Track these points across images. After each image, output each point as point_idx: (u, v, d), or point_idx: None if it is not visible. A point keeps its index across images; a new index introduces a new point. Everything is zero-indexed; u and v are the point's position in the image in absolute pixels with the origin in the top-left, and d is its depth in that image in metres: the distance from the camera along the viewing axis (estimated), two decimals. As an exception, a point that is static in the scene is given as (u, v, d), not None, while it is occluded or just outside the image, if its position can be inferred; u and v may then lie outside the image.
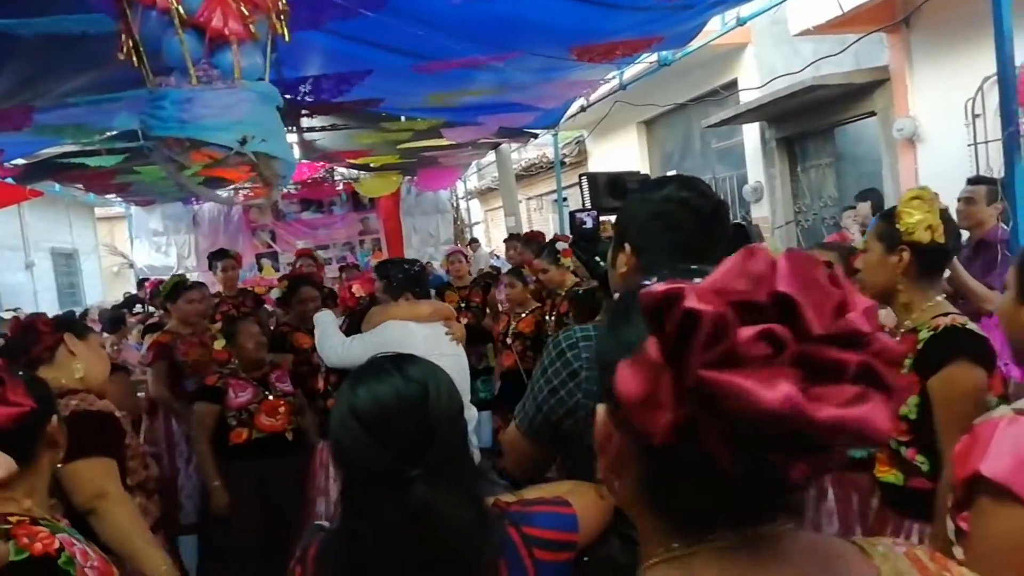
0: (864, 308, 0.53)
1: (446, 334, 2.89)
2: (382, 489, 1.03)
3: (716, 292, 0.53)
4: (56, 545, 1.24)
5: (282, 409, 3.39)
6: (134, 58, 2.16)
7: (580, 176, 2.52)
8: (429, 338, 2.78)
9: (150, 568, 1.84)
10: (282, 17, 2.29)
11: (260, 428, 3.31)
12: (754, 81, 7.41)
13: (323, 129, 5.19)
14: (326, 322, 3.08)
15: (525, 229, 9.97)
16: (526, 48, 3.67)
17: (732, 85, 8.05)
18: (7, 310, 8.41)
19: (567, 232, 9.28)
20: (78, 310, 10.17)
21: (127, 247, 11.14)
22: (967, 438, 1.13)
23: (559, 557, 1.14)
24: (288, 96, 4.23)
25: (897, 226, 1.84)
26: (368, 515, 1.07)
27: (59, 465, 1.47)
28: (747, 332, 0.50)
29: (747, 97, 7.40)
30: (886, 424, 0.49)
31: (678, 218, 1.30)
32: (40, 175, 5.33)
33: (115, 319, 6.16)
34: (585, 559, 1.21)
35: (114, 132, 4.43)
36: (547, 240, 4.73)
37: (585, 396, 1.34)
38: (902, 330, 1.86)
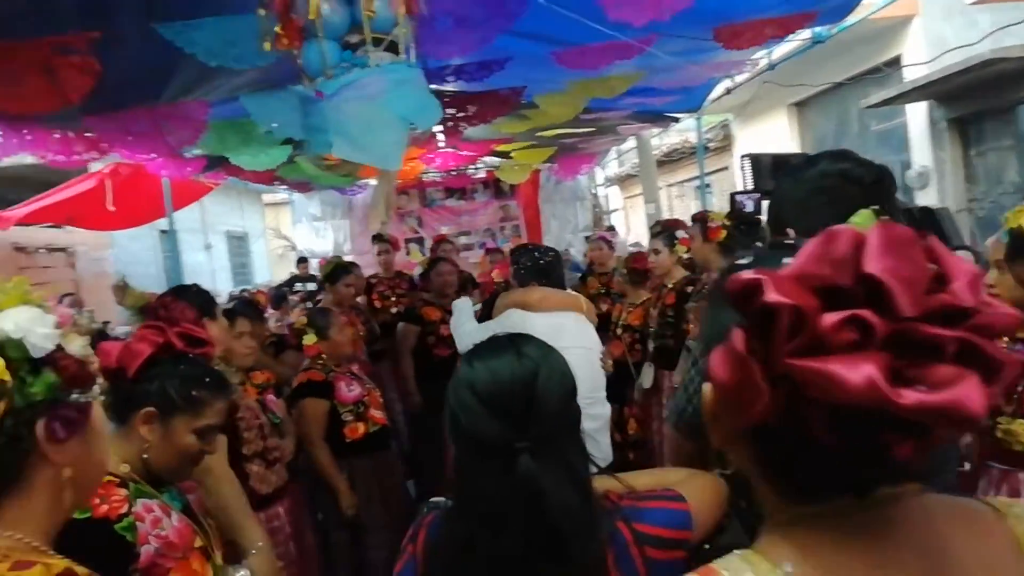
0: (967, 279, 0.51)
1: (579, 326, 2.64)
2: (491, 460, 1.07)
3: (798, 279, 0.53)
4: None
5: (381, 400, 3.38)
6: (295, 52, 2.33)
7: (742, 157, 2.47)
8: (550, 328, 2.39)
9: (248, 542, 1.95)
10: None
11: (374, 421, 3.26)
12: (921, 56, 6.83)
13: (465, 117, 5.34)
14: (461, 309, 3.07)
15: (665, 216, 9.77)
16: (667, 30, 3.59)
17: (895, 62, 7.47)
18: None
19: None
20: (249, 288, 11.16)
21: (290, 231, 12.01)
22: None
23: (672, 555, 1.12)
24: (433, 86, 4.43)
25: None
26: (477, 488, 1.10)
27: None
28: (831, 319, 0.50)
29: (912, 74, 6.84)
30: (979, 406, 0.48)
31: (840, 191, 1.22)
32: (214, 166, 5.89)
33: (279, 296, 6.75)
34: (706, 547, 1.18)
35: (274, 127, 4.80)
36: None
37: None
38: None
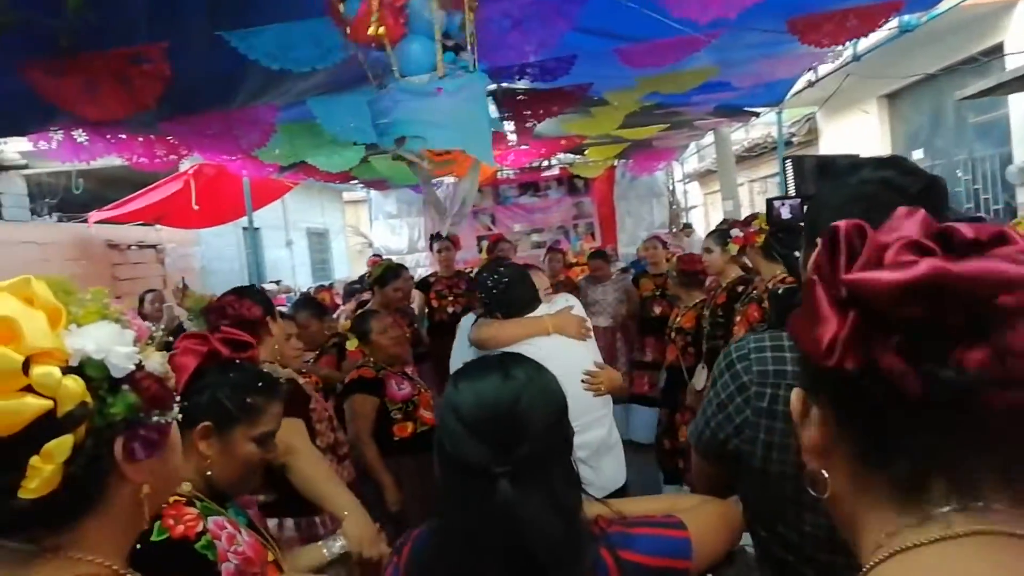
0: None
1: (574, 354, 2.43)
2: (472, 485, 1.05)
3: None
4: None
5: (432, 401, 3.36)
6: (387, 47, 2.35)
7: (784, 160, 2.35)
8: None
9: (337, 509, 1.94)
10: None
11: (423, 421, 3.24)
12: (1025, 43, 6.36)
13: (534, 115, 5.32)
14: (463, 329, 3.00)
15: (745, 214, 9.45)
16: (738, 23, 3.45)
17: (996, 50, 6.97)
18: (271, 281, 9.74)
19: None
20: (327, 284, 11.51)
21: (367, 228, 12.29)
22: None
23: None
24: (504, 84, 4.42)
25: None
26: (458, 510, 1.09)
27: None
28: (888, 239, 0.54)
29: (1015, 63, 6.37)
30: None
31: (880, 199, 1.09)
32: (291, 167, 6.07)
33: (350, 292, 6.93)
34: None
35: (351, 126, 4.89)
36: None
37: (754, 414, 1.21)
38: None
